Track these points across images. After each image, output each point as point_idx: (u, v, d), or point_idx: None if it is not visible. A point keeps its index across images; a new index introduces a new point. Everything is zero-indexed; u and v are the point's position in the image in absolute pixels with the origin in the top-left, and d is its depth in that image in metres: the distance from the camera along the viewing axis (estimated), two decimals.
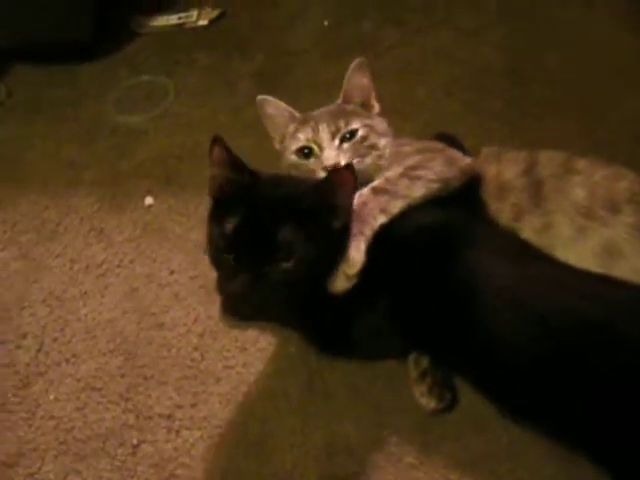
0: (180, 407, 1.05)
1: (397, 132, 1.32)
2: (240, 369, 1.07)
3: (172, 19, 1.84)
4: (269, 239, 0.91)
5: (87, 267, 1.26)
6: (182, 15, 1.84)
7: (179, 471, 0.98)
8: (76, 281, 1.25)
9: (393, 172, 1.02)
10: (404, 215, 0.97)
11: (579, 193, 1.01)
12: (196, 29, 1.79)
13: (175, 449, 1.00)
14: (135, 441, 1.02)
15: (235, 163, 0.96)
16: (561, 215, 1.00)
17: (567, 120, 1.36)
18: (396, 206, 0.98)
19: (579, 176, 1.03)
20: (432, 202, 0.99)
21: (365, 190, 1.00)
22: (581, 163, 1.05)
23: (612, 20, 1.57)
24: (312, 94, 1.48)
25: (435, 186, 1.01)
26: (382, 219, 0.97)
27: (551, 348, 0.82)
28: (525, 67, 1.51)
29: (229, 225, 0.93)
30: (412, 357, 1.00)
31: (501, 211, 1.03)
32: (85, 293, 1.22)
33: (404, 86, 1.50)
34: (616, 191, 1.01)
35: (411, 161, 1.05)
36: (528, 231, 1.00)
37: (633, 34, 1.50)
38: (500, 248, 0.93)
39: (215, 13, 1.81)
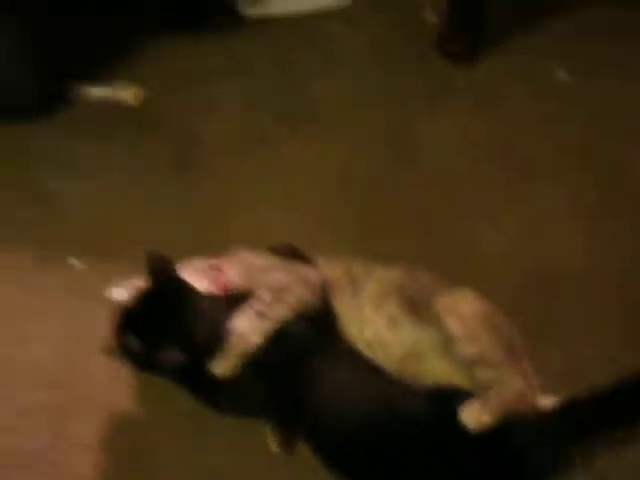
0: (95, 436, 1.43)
1: (279, 225, 1.74)
2: (145, 412, 1.46)
3: (105, 92, 2.16)
4: None
5: (23, 315, 1.61)
6: (115, 90, 2.15)
7: None
8: (12, 326, 1.59)
9: (267, 294, 1.33)
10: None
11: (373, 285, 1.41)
12: (125, 107, 2.12)
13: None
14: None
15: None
16: (365, 300, 1.39)
17: (406, 234, 1.77)
18: (271, 329, 1.30)
19: (373, 274, 1.43)
20: None
21: (250, 312, 1.31)
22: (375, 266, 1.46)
23: (459, 152, 2.04)
24: (215, 185, 1.89)
25: (298, 308, 1.33)
26: (260, 341, 1.30)
27: (363, 427, 1.28)
28: (385, 181, 1.92)
29: None
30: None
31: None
32: (20, 338, 1.57)
33: (288, 184, 1.90)
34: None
35: (275, 282, 1.36)
36: (348, 316, 1.38)
37: (472, 166, 1.97)
38: (335, 356, 1.35)
39: (141, 94, 2.14)
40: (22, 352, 1.55)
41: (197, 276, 1.44)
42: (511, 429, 1.25)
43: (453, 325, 1.33)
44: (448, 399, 1.28)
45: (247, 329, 1.30)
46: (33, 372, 1.52)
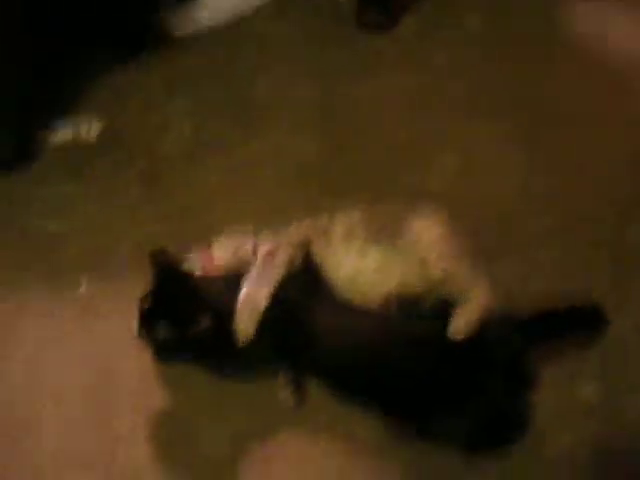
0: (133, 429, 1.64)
1: (244, 216, 1.93)
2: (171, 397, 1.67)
3: (67, 134, 2.33)
4: None
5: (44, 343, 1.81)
6: (74, 131, 2.32)
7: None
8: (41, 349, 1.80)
9: (261, 260, 1.57)
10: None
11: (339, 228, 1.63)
12: (88, 141, 2.29)
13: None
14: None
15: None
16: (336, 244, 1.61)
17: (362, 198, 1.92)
18: (270, 290, 1.53)
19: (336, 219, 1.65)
20: None
21: (250, 278, 1.54)
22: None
23: (392, 115, 2.24)
24: (186, 193, 2.08)
25: (288, 266, 1.56)
26: (265, 302, 1.52)
27: (359, 353, 1.52)
28: (334, 157, 2.12)
29: None
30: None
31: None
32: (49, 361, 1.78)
33: (248, 179, 2.10)
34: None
35: (262, 251, 1.58)
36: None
37: (404, 126, 2.18)
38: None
39: (99, 126, 2.31)
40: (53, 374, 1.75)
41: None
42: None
43: (424, 247, 1.55)
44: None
45: (253, 295, 1.51)
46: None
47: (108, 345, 1.77)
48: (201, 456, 1.58)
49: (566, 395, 1.61)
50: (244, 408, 1.62)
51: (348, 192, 1.99)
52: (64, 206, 2.11)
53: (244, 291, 1.52)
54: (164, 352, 1.57)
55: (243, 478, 1.57)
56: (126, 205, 2.09)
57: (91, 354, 1.77)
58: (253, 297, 1.51)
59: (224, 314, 1.51)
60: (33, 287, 1.93)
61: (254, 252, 1.61)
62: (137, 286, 1.65)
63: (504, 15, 2.43)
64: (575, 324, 1.61)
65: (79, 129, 2.33)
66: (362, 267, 1.55)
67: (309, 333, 1.55)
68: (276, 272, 1.55)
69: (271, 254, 1.58)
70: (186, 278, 1.58)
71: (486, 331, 1.48)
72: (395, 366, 1.50)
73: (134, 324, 1.56)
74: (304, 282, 1.59)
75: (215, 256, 1.65)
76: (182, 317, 1.52)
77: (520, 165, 2.01)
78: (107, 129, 2.31)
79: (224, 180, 2.11)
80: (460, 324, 1.47)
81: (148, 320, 1.54)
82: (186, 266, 1.63)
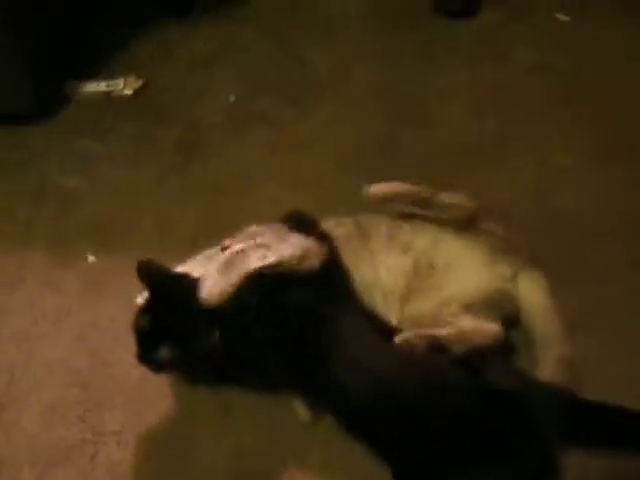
0: (125, 425, 1.41)
1: (288, 202, 1.72)
2: (170, 398, 1.44)
3: (101, 86, 2.15)
4: None
5: (43, 314, 1.60)
6: (110, 83, 2.15)
7: (127, 473, 1.35)
8: (36, 325, 1.58)
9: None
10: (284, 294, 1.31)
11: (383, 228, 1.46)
12: (122, 97, 2.11)
13: (123, 457, 1.37)
14: (92, 452, 1.38)
15: None
16: (376, 244, 1.44)
17: None
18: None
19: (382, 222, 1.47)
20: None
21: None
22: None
23: (460, 108, 1.99)
24: (221, 167, 1.86)
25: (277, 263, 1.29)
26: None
27: (378, 397, 1.23)
28: (391, 144, 1.89)
29: None
30: None
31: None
32: (44, 335, 1.56)
33: (294, 159, 1.87)
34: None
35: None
36: (363, 264, 1.42)
37: (473, 122, 1.93)
38: (353, 325, 1.31)
39: (139, 83, 2.14)
40: (46, 350, 1.54)
41: (204, 262, 1.43)
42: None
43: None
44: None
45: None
46: (58, 368, 1.51)
47: (108, 328, 1.56)
48: (196, 468, 1.35)
49: None
50: (251, 423, 1.39)
51: None
52: (85, 165, 1.93)
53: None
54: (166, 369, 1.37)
55: None
56: (154, 173, 1.89)
57: (88, 335, 1.56)
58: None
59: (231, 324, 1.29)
60: (38, 248, 1.73)
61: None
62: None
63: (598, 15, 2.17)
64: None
65: (114, 84, 2.14)
66: (404, 264, 1.41)
67: (322, 356, 1.27)
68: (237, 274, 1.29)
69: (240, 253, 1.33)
70: (184, 286, 1.33)
71: (529, 398, 1.21)
72: (417, 418, 1.22)
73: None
74: (322, 291, 1.33)
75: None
76: (186, 333, 1.29)
77: (594, 185, 1.74)
78: (145, 88, 2.14)
79: (266, 160, 1.89)
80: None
81: (148, 343, 1.32)
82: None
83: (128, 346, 1.47)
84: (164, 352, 1.30)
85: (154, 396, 1.44)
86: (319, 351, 1.28)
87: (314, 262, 1.32)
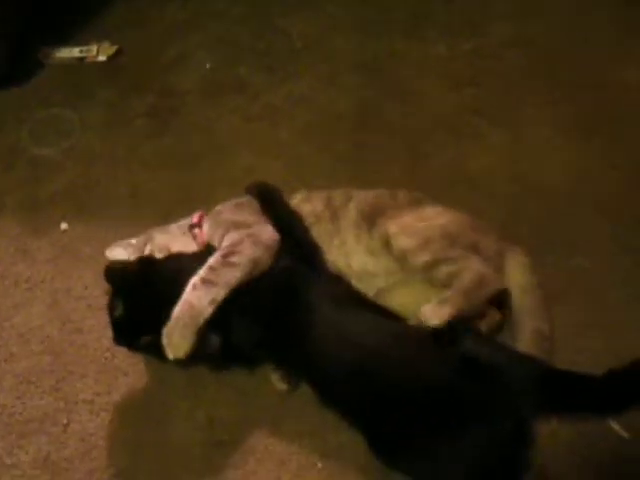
0: (98, 394, 1.40)
1: (263, 171, 1.71)
2: (142, 366, 1.44)
3: (74, 52, 2.11)
4: None
5: (16, 282, 1.58)
6: (83, 49, 2.11)
7: (100, 442, 1.34)
8: (7, 293, 1.56)
9: (214, 259, 1.28)
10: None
11: (352, 213, 1.43)
12: (96, 64, 2.07)
13: (96, 426, 1.36)
14: (65, 421, 1.37)
15: None
16: (346, 231, 1.41)
17: (396, 163, 1.76)
18: (221, 294, 1.24)
19: (352, 202, 1.44)
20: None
21: (196, 280, 1.24)
22: (355, 192, 1.47)
23: (439, 80, 1.97)
24: (196, 134, 1.84)
25: (248, 268, 1.27)
26: (211, 309, 1.23)
27: (353, 365, 1.23)
28: (369, 116, 1.88)
29: None
30: None
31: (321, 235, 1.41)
32: (16, 304, 1.54)
33: (271, 128, 1.86)
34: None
35: (226, 242, 1.32)
36: (334, 250, 1.39)
37: (451, 93, 1.92)
38: (328, 293, 1.31)
39: (113, 49, 2.09)
40: (18, 318, 1.52)
41: (181, 236, 1.43)
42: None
43: (401, 242, 1.35)
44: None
45: (194, 299, 1.24)
46: (31, 337, 1.49)
47: (81, 296, 1.55)
48: (170, 437, 1.35)
49: None
50: (225, 393, 1.39)
51: (376, 162, 1.75)
52: (58, 132, 1.89)
53: (185, 297, 1.24)
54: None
55: (213, 466, 1.33)
56: (129, 141, 1.86)
57: (61, 303, 1.55)
58: (196, 304, 1.23)
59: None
60: (10, 216, 1.71)
61: (219, 241, 1.35)
62: (128, 235, 1.45)
63: None
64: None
65: (87, 50, 2.10)
66: (374, 270, 1.38)
67: (301, 325, 1.27)
68: (232, 276, 1.26)
69: (230, 252, 1.30)
70: (153, 279, 1.30)
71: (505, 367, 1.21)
72: (391, 386, 1.21)
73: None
74: (299, 259, 1.35)
75: (204, 230, 1.41)
76: (162, 323, 1.24)
77: (572, 157, 1.74)
78: (119, 54, 2.10)
79: (243, 127, 1.87)
80: (432, 308, 1.28)
81: (125, 332, 1.31)
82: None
83: (101, 314, 1.49)
84: (143, 340, 1.29)
85: (126, 365, 1.44)
86: (295, 321, 1.28)
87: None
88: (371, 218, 1.42)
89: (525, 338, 1.35)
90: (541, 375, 1.21)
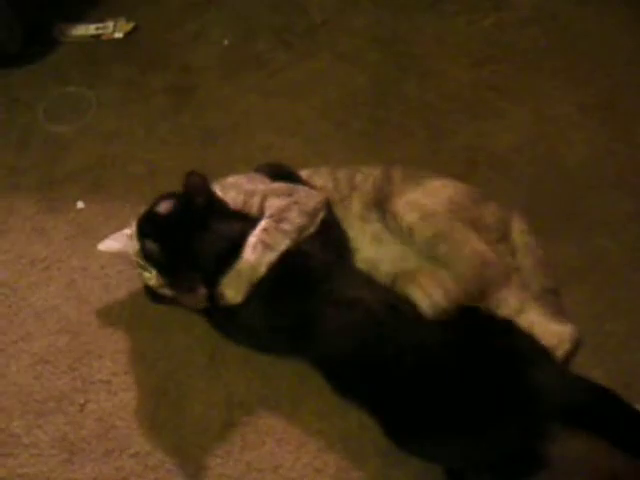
0: (116, 374, 1.39)
1: (281, 147, 1.69)
2: (160, 347, 1.42)
3: (90, 29, 2.08)
4: None
5: (32, 261, 1.56)
6: (99, 26, 2.08)
7: (118, 422, 1.33)
8: (24, 273, 1.55)
9: (268, 224, 1.33)
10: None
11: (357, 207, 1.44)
12: (112, 41, 2.04)
13: (113, 406, 1.35)
14: (82, 401, 1.36)
15: None
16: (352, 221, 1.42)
17: (416, 141, 1.73)
18: (273, 258, 1.30)
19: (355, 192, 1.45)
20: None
21: (255, 241, 1.30)
22: (358, 175, 1.47)
23: (459, 57, 1.93)
24: (214, 111, 1.82)
25: (295, 235, 1.32)
26: (265, 269, 1.30)
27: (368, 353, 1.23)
28: (388, 92, 1.85)
29: None
30: None
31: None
32: (33, 283, 1.53)
33: (289, 105, 1.83)
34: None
35: (273, 209, 1.36)
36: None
37: (471, 71, 1.88)
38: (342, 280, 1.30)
39: (129, 26, 2.07)
40: (35, 298, 1.51)
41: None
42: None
43: (407, 217, 1.36)
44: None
45: (254, 260, 1.30)
46: (47, 317, 1.48)
47: (98, 275, 1.54)
48: (188, 418, 1.34)
49: None
50: (244, 373, 1.38)
51: (395, 139, 1.73)
52: (75, 110, 1.87)
53: (246, 257, 1.30)
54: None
55: (231, 447, 1.31)
56: (145, 118, 1.84)
57: (77, 282, 1.53)
58: (254, 264, 1.30)
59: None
60: (26, 195, 1.69)
61: (260, 208, 1.38)
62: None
63: None
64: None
65: (104, 27, 2.07)
66: (379, 257, 1.38)
67: (310, 313, 1.27)
68: (281, 240, 1.31)
69: (279, 218, 1.34)
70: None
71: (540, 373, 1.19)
72: (409, 375, 1.20)
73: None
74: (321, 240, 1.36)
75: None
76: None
77: (594, 136, 1.70)
78: (135, 31, 2.07)
79: (261, 103, 1.84)
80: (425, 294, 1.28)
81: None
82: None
83: (117, 293, 1.48)
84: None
85: (144, 345, 1.42)
86: (308, 308, 1.27)
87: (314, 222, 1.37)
88: (378, 206, 1.42)
89: (535, 297, 1.33)
90: (575, 387, 1.21)
